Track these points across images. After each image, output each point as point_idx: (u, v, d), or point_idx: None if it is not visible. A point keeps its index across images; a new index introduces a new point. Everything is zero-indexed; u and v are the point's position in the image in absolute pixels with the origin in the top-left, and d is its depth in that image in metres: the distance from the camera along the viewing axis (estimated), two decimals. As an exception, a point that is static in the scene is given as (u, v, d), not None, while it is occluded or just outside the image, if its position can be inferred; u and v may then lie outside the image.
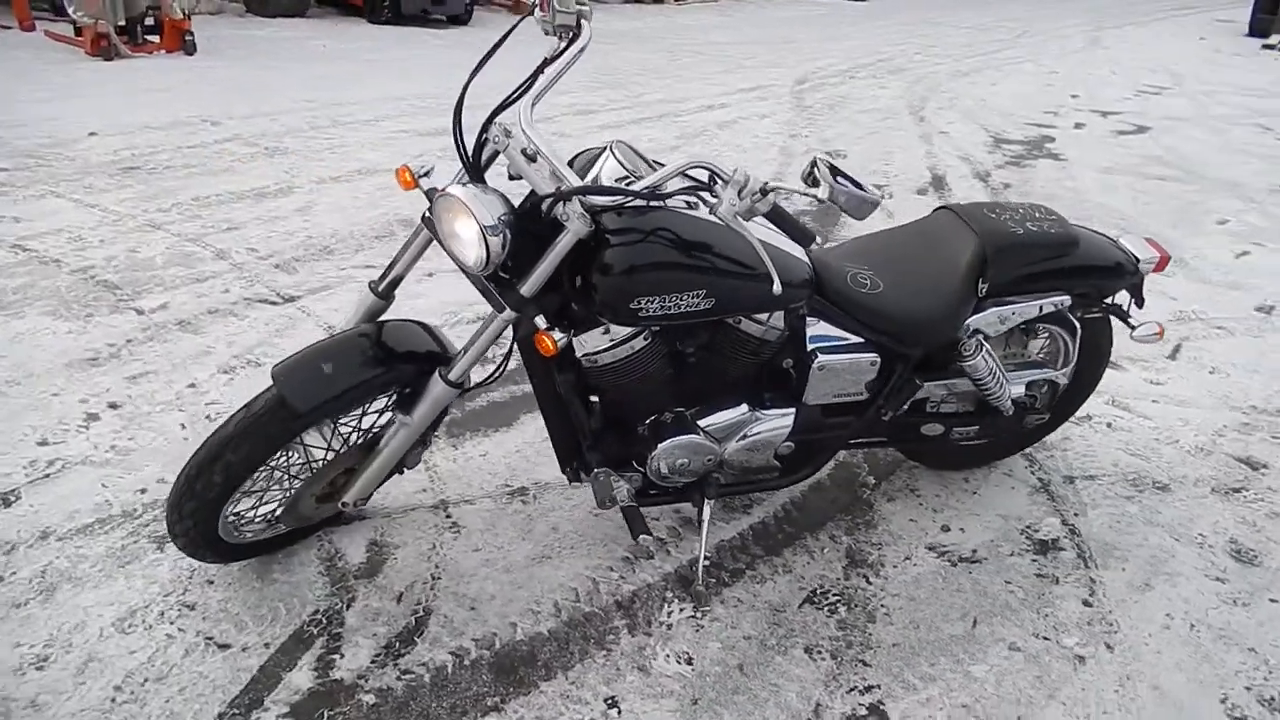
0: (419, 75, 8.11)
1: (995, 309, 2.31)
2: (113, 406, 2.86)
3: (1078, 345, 2.45)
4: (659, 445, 2.12)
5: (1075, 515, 2.59)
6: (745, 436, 2.19)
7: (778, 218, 1.86)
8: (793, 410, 2.23)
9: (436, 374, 1.97)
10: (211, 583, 2.18)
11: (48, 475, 2.52)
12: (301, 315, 3.53)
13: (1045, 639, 2.15)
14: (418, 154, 5.68)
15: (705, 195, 1.87)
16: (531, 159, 1.85)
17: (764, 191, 1.79)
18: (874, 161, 5.99)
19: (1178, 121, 7.69)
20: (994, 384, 2.35)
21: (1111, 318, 2.51)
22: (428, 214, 2.00)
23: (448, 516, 2.47)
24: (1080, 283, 2.36)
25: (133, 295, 3.58)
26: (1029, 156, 6.38)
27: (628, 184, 1.86)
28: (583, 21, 1.96)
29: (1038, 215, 2.37)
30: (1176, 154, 6.61)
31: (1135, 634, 2.18)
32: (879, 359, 2.26)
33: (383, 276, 2.11)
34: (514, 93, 1.93)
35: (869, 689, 2.00)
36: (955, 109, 7.67)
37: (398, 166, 2.04)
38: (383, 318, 2.14)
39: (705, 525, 2.23)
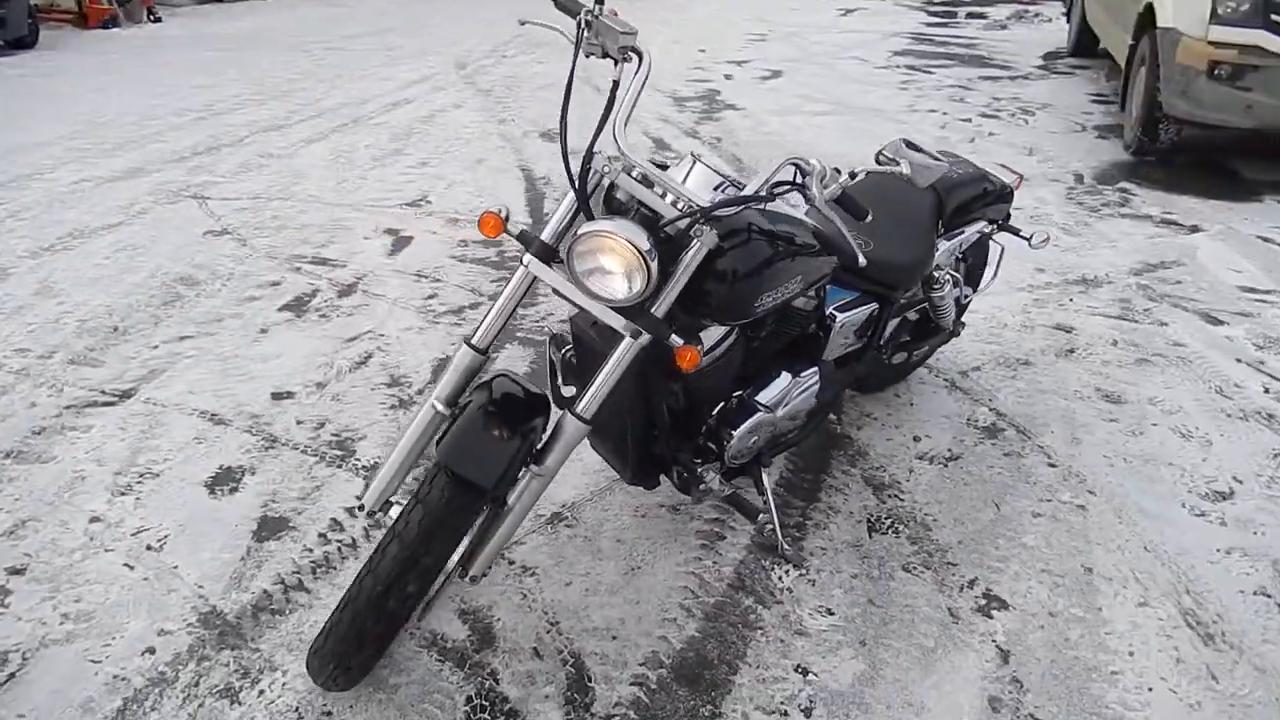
0: (40, 113, 6.87)
1: (946, 243, 2.69)
2: (17, 573, 2.31)
3: (998, 262, 2.93)
4: (736, 431, 2.24)
5: (992, 400, 3.12)
6: (789, 403, 2.38)
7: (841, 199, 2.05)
8: (816, 369, 2.45)
9: (567, 414, 1.92)
10: (329, 714, 1.93)
11: (10, 681, 2.01)
12: (155, 408, 3.03)
13: (1049, 500, 2.62)
14: (127, 203, 4.91)
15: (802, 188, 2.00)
16: (650, 183, 1.86)
17: (852, 175, 1.98)
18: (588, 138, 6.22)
19: (795, 63, 8.81)
20: (949, 308, 2.75)
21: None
22: (529, 259, 1.91)
23: (511, 564, 2.37)
24: (992, 209, 2.82)
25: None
26: (714, 110, 7.01)
27: (728, 190, 1.94)
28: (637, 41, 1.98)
29: (950, 158, 2.78)
30: (819, 90, 7.63)
31: (1097, 477, 2.73)
32: (876, 307, 2.55)
33: (477, 332, 1.97)
34: (600, 123, 1.90)
35: (972, 583, 2.32)
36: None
37: (481, 214, 1.92)
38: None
39: (769, 492, 2.40)
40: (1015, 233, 2.94)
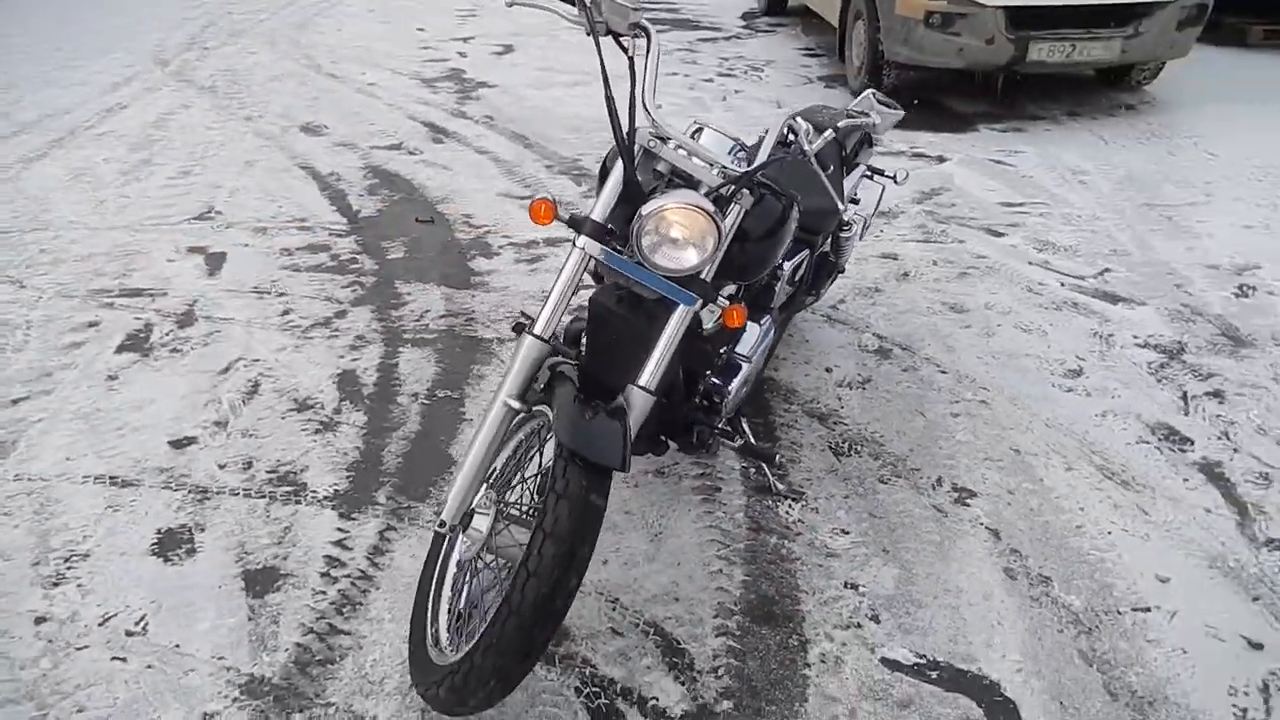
0: None
1: (846, 186, 2.98)
2: (-18, 696, 1.96)
3: (878, 201, 3.27)
4: (730, 385, 2.39)
5: (869, 327, 3.49)
6: (758, 351, 2.57)
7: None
8: (769, 316, 2.66)
9: (633, 389, 1.96)
10: (449, 741, 1.87)
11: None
12: (34, 483, 2.61)
13: (958, 401, 3.03)
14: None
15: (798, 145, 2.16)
16: (691, 153, 1.94)
17: (837, 131, 2.19)
18: (359, 127, 5.95)
19: (519, 38, 8.81)
20: (851, 248, 3.06)
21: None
22: (584, 240, 1.92)
23: (539, 556, 2.36)
24: (864, 152, 3.14)
25: None
26: (469, 89, 6.90)
27: (739, 152, 2.06)
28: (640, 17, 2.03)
29: (828, 108, 3.06)
30: (559, 63, 7.70)
31: (982, 375, 3.18)
32: (807, 252, 2.78)
33: (539, 322, 1.93)
34: (630, 100, 1.93)
35: (939, 481, 2.66)
36: (349, 60, 7.73)
37: (532, 202, 1.90)
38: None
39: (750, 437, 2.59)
40: (880, 173, 3.30)
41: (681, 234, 1.86)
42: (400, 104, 6.48)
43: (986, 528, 2.47)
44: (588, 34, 2.06)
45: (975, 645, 2.11)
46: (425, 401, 3.03)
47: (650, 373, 1.97)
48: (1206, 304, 3.65)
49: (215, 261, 4.03)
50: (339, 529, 2.46)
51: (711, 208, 1.85)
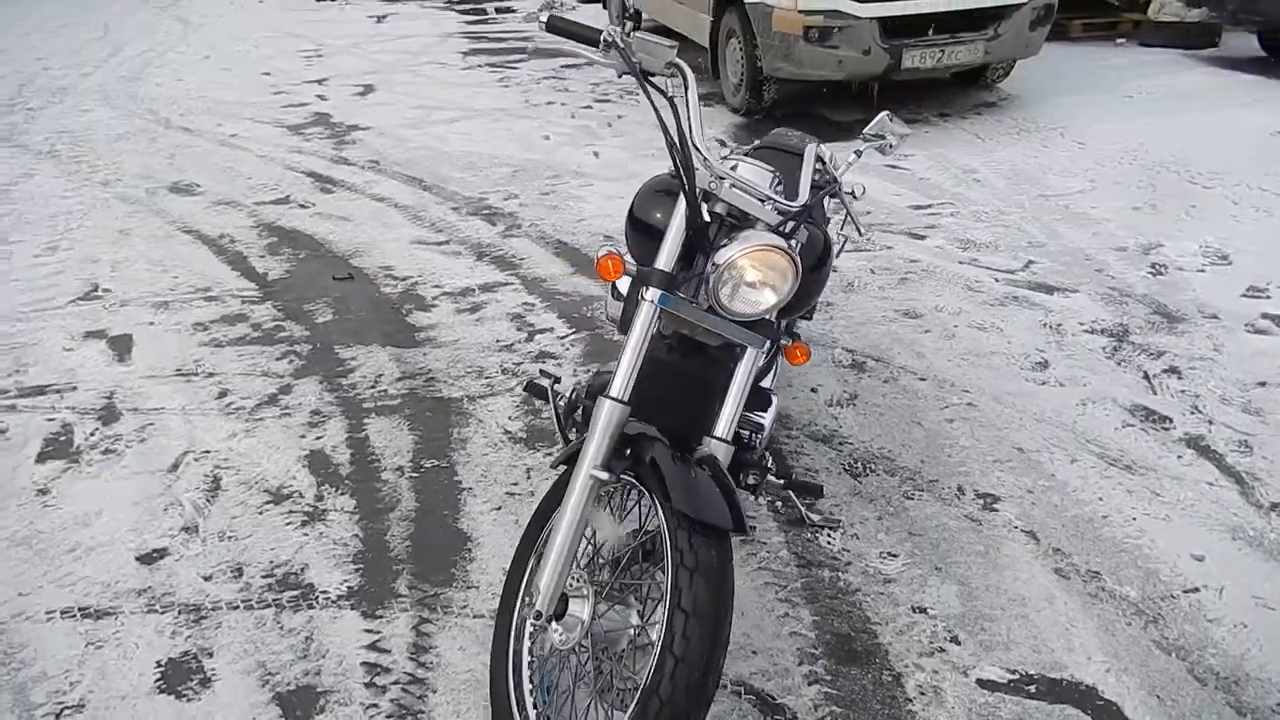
0: None
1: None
2: None
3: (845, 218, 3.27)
4: (766, 419, 2.33)
5: (836, 341, 3.51)
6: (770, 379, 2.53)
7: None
8: (767, 341, 2.61)
9: (711, 440, 1.88)
10: None
11: None
12: None
13: (948, 406, 3.08)
14: None
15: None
16: (761, 195, 1.88)
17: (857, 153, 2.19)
18: (236, 183, 5.55)
19: (378, 75, 8.46)
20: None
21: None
22: (654, 293, 1.81)
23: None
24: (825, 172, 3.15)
25: None
26: (342, 133, 6.56)
27: (779, 186, 2.01)
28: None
29: (791, 132, 3.06)
30: (428, 99, 7.43)
31: (959, 377, 3.25)
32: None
33: (613, 385, 1.81)
34: (681, 142, 1.85)
35: (960, 490, 2.68)
36: (200, 112, 7.20)
37: (600, 258, 1.78)
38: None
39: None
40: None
41: (761, 276, 1.80)
42: (272, 154, 6.10)
43: (1022, 530, 2.51)
44: (620, 75, 1.97)
45: (1058, 651, 2.13)
46: (413, 475, 2.82)
47: (726, 421, 1.91)
48: (1130, 285, 3.88)
49: (121, 345, 3.63)
50: (367, 630, 2.24)
51: (787, 246, 1.80)
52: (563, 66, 8.53)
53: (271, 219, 4.95)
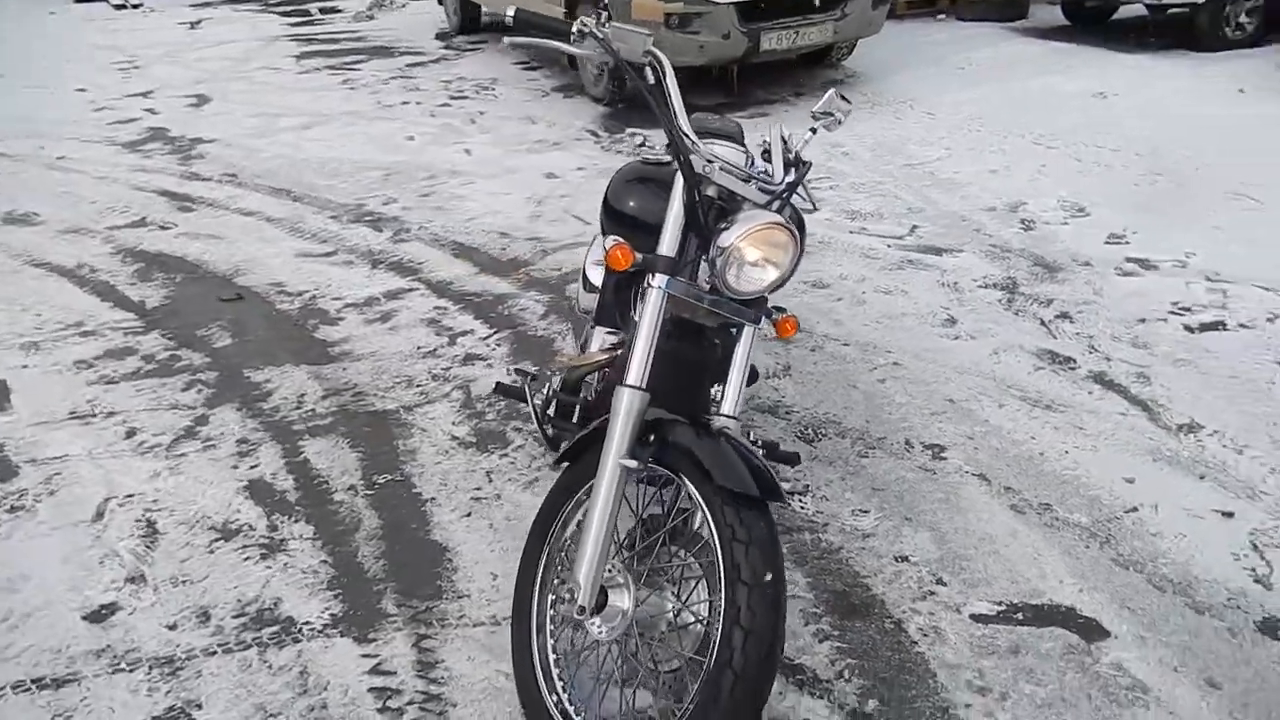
0: None
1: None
2: None
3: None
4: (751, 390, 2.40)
5: (757, 316, 3.61)
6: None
7: None
8: None
9: (718, 416, 1.93)
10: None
11: None
12: None
13: (876, 367, 3.23)
14: None
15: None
16: (744, 175, 1.92)
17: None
18: (80, 208, 5.10)
19: (208, 84, 7.95)
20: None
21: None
22: (661, 279, 1.83)
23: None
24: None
25: None
26: (186, 148, 6.13)
27: (753, 164, 2.07)
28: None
29: (712, 115, 3.11)
30: (271, 106, 7.03)
31: (879, 339, 3.41)
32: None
33: (629, 373, 1.80)
34: (668, 127, 1.87)
35: (908, 443, 2.83)
36: (13, 136, 6.56)
37: (610, 250, 1.77)
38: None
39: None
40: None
41: (765, 254, 1.84)
42: (112, 174, 5.66)
43: (973, 474, 2.68)
44: (598, 65, 1.96)
45: (1033, 580, 2.29)
46: (368, 493, 2.71)
47: (732, 399, 1.95)
48: (1007, 241, 4.18)
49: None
50: (365, 655, 2.15)
51: (787, 222, 1.85)
52: (408, 65, 8.32)
53: (132, 243, 4.60)
